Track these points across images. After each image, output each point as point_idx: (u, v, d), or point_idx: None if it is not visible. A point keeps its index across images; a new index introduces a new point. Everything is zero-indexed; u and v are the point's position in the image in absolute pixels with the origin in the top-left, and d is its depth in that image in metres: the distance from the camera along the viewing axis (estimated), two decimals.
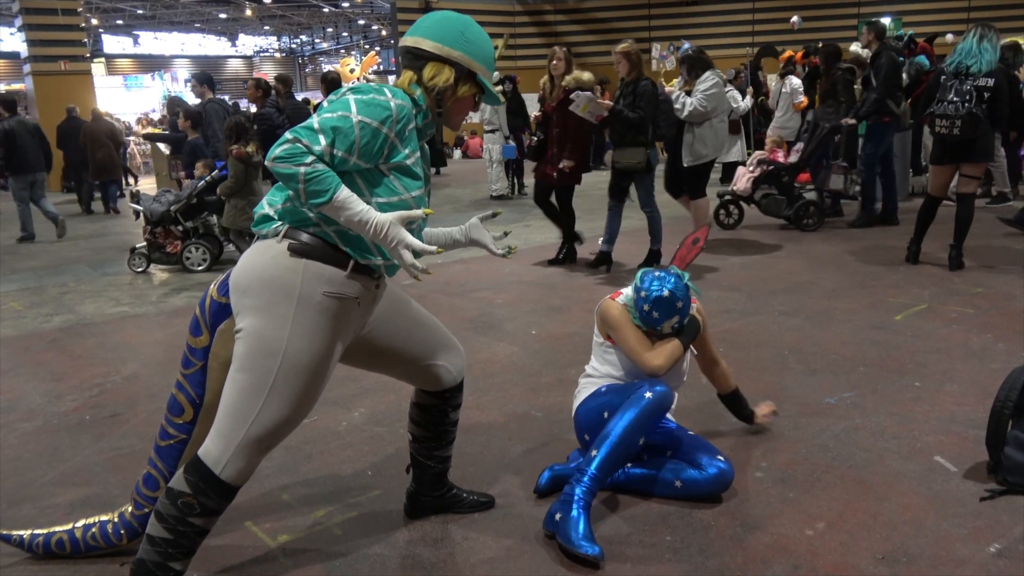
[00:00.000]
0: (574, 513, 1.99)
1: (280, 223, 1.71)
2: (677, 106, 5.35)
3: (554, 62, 5.49)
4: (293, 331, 1.66)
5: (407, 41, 1.79)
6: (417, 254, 1.67)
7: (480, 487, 2.34)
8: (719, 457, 2.22)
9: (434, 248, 1.68)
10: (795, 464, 2.44)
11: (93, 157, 9.90)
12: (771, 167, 6.49)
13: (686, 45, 5.96)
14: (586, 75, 5.38)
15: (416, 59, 1.77)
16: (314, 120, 1.62)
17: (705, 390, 3.05)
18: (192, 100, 10.51)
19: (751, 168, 6.67)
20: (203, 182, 6.09)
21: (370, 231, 1.62)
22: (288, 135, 1.60)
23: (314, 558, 2.03)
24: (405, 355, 1.97)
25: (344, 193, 1.60)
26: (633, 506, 2.22)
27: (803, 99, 8.87)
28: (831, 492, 2.26)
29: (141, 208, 6.27)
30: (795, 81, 9.08)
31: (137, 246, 6.32)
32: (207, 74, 7.19)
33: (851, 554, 1.95)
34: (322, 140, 1.59)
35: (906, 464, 2.41)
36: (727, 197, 6.73)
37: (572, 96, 5.08)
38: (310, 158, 1.57)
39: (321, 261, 1.68)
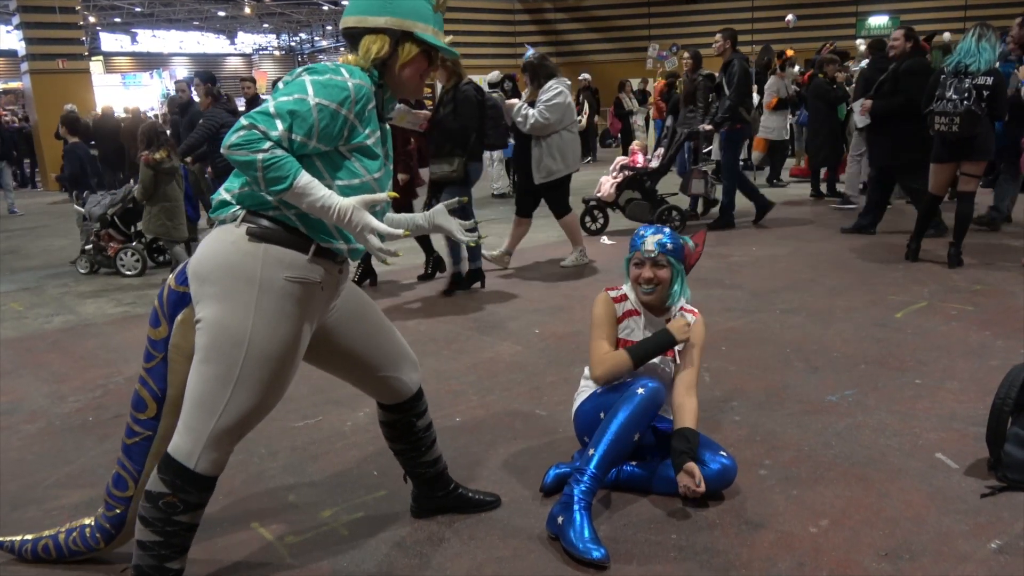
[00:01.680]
0: (576, 516, 2.00)
1: (238, 207, 1.67)
2: (519, 119, 5.03)
3: None
4: (257, 319, 1.61)
5: (342, 25, 1.76)
6: (383, 238, 1.62)
7: (486, 486, 2.36)
8: (722, 453, 2.24)
9: (400, 231, 1.63)
10: (798, 462, 2.45)
11: (130, 154, 10.04)
12: (633, 172, 6.50)
13: (530, 51, 5.70)
14: None
15: (352, 39, 1.74)
16: (269, 104, 1.56)
17: (704, 389, 3.07)
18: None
19: (614, 173, 6.67)
20: (138, 186, 6.10)
21: (333, 216, 1.57)
22: (243, 121, 1.53)
23: (321, 558, 2.04)
24: (363, 361, 1.94)
25: (304, 179, 1.55)
26: (638, 505, 2.23)
27: (773, 98, 8.89)
28: (834, 489, 2.27)
29: (83, 210, 6.29)
30: (769, 81, 9.08)
31: (85, 248, 6.31)
32: (210, 73, 7.19)
33: (855, 551, 1.97)
34: (279, 125, 1.53)
35: (908, 461, 2.42)
36: (592, 203, 6.70)
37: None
38: (267, 144, 1.51)
39: (281, 245, 1.64)
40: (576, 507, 2.01)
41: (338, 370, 1.98)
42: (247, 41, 40.93)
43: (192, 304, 1.69)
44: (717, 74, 6.60)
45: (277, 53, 42.00)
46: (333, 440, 2.79)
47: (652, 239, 2.33)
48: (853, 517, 2.12)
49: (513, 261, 5.76)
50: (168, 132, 5.92)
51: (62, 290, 5.72)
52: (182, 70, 35.03)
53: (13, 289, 5.84)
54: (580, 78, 14.21)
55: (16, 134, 13.98)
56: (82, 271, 6.25)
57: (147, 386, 1.83)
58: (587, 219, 6.73)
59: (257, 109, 1.58)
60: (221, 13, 33.53)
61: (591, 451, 2.09)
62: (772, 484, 2.32)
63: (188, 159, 6.42)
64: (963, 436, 2.56)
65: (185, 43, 38.37)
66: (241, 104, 11.09)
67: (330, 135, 1.61)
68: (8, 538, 2.09)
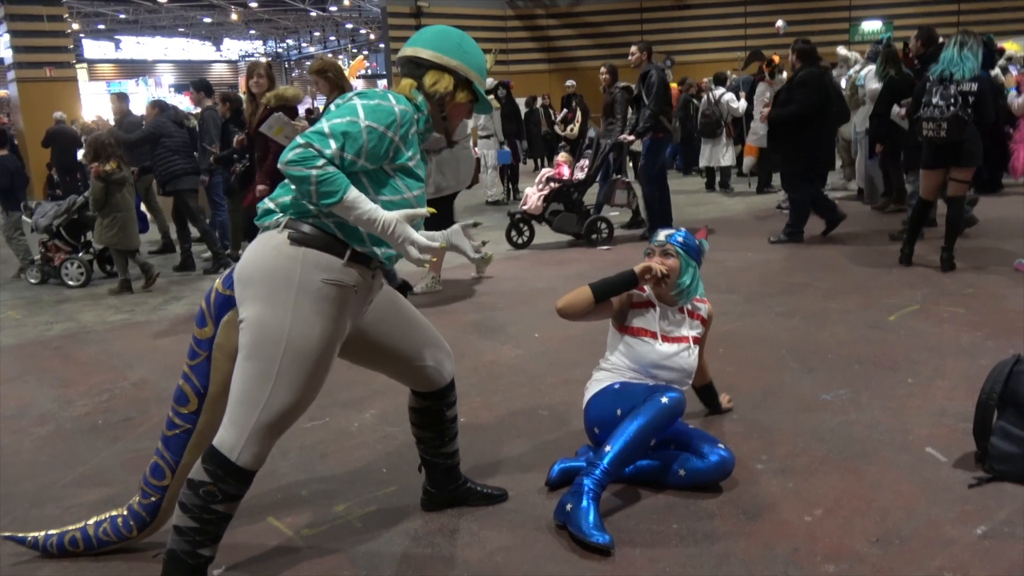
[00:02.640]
0: (584, 504, 2.08)
1: (281, 215, 1.80)
2: None
3: (254, 79, 4.80)
4: (295, 318, 1.73)
5: (407, 52, 1.92)
6: (421, 248, 1.77)
7: (493, 481, 2.43)
8: (720, 446, 2.33)
9: (436, 244, 1.79)
10: (793, 456, 2.54)
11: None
12: (560, 184, 6.50)
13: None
14: (290, 91, 4.82)
15: (417, 67, 1.90)
16: (324, 125, 1.71)
17: None
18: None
19: (539, 186, 6.64)
20: (82, 198, 6.13)
21: (378, 228, 1.73)
22: (300, 139, 1.69)
23: (337, 549, 2.12)
24: (399, 354, 2.05)
25: (353, 193, 1.70)
26: (641, 497, 2.32)
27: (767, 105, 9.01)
28: (828, 481, 2.36)
29: (31, 221, 6.31)
30: (759, 87, 9.20)
31: (35, 258, 6.36)
32: (205, 81, 7.25)
33: (847, 537, 2.06)
34: (332, 144, 1.69)
35: (899, 455, 2.52)
36: (518, 216, 6.60)
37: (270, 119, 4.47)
38: (321, 161, 1.67)
39: (319, 250, 1.76)
40: (586, 496, 2.09)
41: (377, 364, 2.09)
42: (233, 48, 40.77)
43: (237, 306, 1.81)
44: (634, 86, 6.71)
45: (263, 60, 41.90)
46: (341, 440, 2.86)
47: (664, 233, 2.53)
48: (846, 507, 2.21)
49: (509, 265, 5.84)
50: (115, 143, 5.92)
51: (58, 298, 5.75)
52: (168, 77, 34.93)
53: (8, 298, 5.87)
54: (567, 84, 14.33)
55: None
56: (32, 281, 6.29)
57: (190, 382, 1.93)
58: (513, 233, 6.60)
59: (313, 129, 1.73)
60: (207, 20, 33.42)
61: (607, 447, 2.17)
62: (769, 477, 2.41)
63: (133, 170, 6.41)
64: (952, 431, 2.66)
65: (170, 50, 38.14)
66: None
67: (377, 155, 1.77)
68: (32, 534, 2.15)
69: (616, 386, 2.41)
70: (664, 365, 2.44)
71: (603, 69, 7.26)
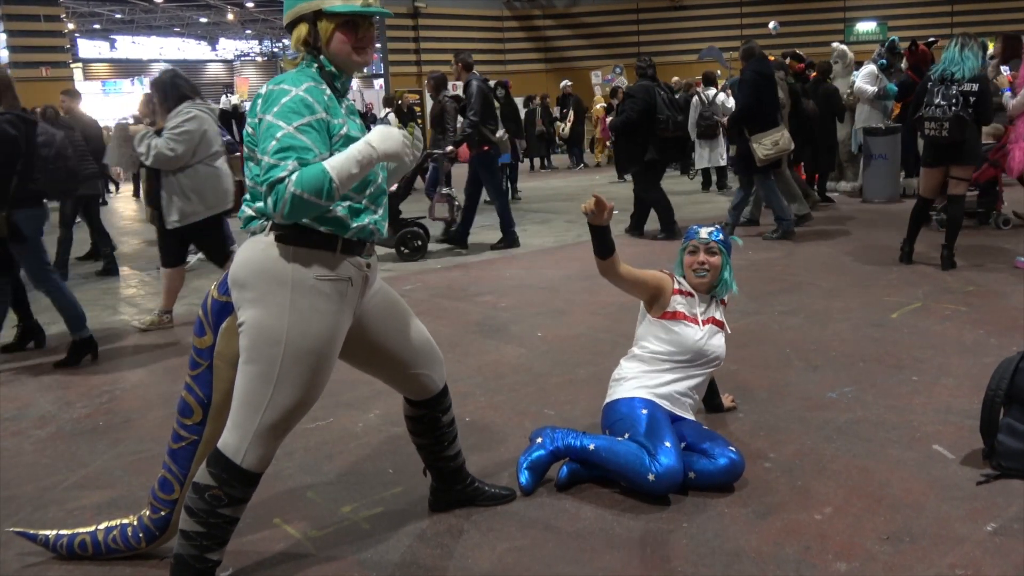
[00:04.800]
0: (539, 450, 2.39)
1: (264, 219, 1.78)
2: (140, 150, 4.18)
3: None
4: (292, 317, 1.72)
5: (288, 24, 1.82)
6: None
7: (499, 481, 2.42)
8: (730, 448, 2.33)
9: (418, 145, 1.87)
10: (801, 455, 2.54)
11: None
12: None
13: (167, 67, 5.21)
14: None
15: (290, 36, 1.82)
16: (265, 158, 1.65)
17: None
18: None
19: None
20: None
21: (377, 157, 1.69)
22: (261, 187, 1.66)
23: (346, 551, 2.10)
24: (397, 358, 2.03)
25: (333, 164, 1.65)
26: (650, 500, 2.29)
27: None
28: (837, 480, 2.36)
29: None
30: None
31: None
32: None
33: (858, 535, 2.06)
34: (282, 160, 1.62)
35: (906, 453, 2.51)
36: None
37: None
38: (285, 180, 1.61)
39: (309, 247, 1.74)
40: (548, 445, 2.39)
41: (371, 367, 2.06)
42: (229, 47, 40.64)
43: (235, 311, 1.79)
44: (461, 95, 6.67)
45: (259, 59, 41.74)
46: (346, 440, 2.84)
47: (705, 230, 2.60)
48: (855, 505, 2.21)
49: (509, 265, 5.82)
50: None
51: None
52: None
53: None
54: (562, 85, 14.34)
55: None
56: None
57: (193, 393, 1.91)
58: None
59: (263, 168, 1.66)
60: (203, 19, 33.35)
61: (590, 444, 2.33)
62: (777, 476, 2.40)
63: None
64: (959, 428, 2.66)
65: (165, 49, 37.93)
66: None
67: (325, 142, 1.72)
68: (43, 532, 2.13)
69: (642, 408, 2.38)
70: (705, 347, 2.51)
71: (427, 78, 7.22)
